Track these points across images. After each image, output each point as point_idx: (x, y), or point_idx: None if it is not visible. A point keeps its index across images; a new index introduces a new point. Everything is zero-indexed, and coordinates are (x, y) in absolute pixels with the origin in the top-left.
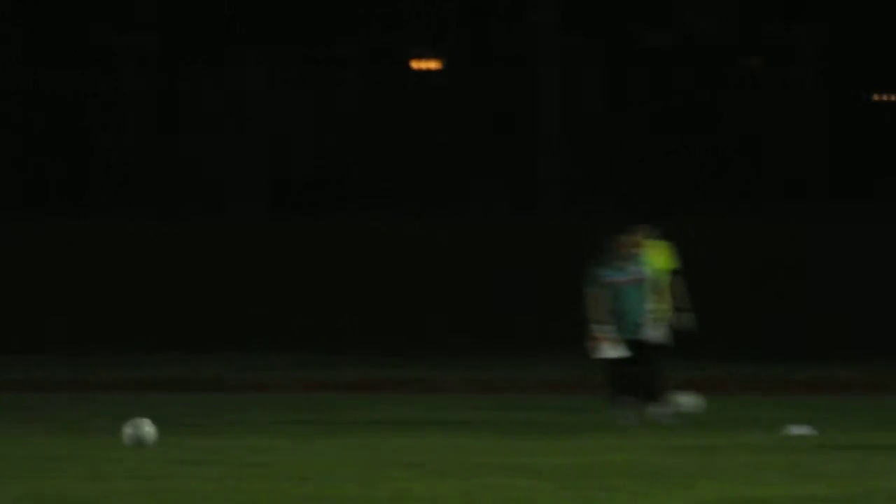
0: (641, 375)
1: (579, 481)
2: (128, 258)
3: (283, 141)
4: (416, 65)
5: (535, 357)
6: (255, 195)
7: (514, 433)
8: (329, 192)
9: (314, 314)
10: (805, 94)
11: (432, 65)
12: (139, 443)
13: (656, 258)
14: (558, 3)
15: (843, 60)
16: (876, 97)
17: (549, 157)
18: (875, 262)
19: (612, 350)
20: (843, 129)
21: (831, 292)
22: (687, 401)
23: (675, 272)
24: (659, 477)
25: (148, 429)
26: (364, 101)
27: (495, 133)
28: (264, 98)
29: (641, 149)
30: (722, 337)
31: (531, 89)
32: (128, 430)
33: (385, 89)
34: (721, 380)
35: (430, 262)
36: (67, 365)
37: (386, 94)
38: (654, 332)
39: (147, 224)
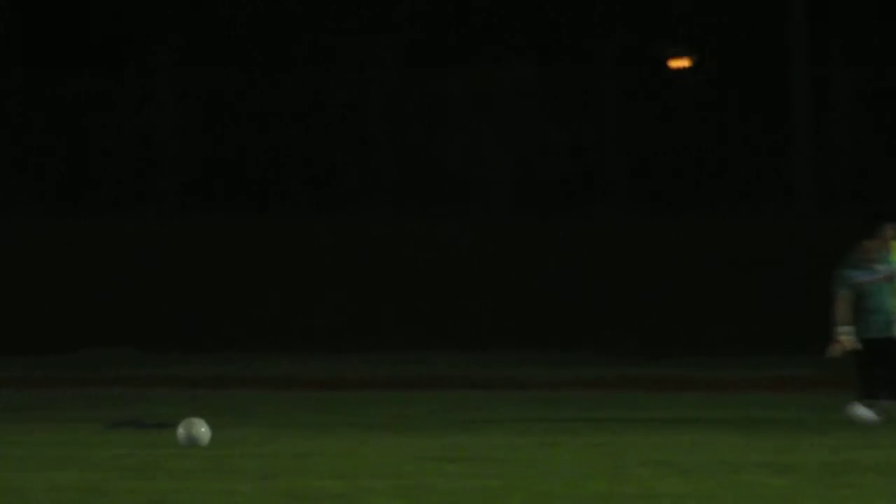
0: (889, 374)
1: (828, 479)
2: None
3: (533, 141)
4: (672, 63)
5: (775, 356)
6: (499, 195)
7: (758, 431)
8: (583, 192)
9: (548, 311)
10: None
11: (686, 63)
12: (193, 443)
13: None
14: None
15: None
16: None
17: (802, 155)
18: None
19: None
20: None
21: None
22: None
23: None
24: None
25: (203, 429)
26: (619, 99)
27: (748, 132)
28: (518, 97)
29: (887, 146)
30: None
31: (781, 88)
32: (180, 431)
33: (640, 88)
34: None
35: (685, 261)
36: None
37: (641, 92)
38: None
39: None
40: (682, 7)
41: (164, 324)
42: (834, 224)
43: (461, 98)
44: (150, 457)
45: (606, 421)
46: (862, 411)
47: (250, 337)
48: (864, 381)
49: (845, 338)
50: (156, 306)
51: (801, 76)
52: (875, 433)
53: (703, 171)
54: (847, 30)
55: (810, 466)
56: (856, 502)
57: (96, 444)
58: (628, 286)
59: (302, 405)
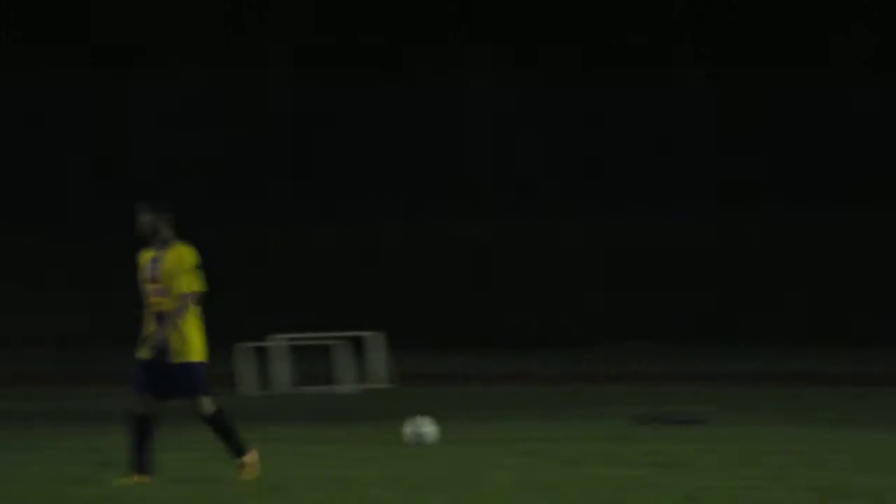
0: None
1: None
2: None
3: None
4: None
5: None
6: None
7: None
8: None
9: None
10: None
11: None
12: (420, 441)
13: None
14: None
15: None
16: None
17: None
18: None
19: None
20: None
21: None
22: None
23: None
24: None
25: (427, 429)
26: None
27: None
28: None
29: None
30: None
31: None
32: (407, 430)
33: None
34: None
35: None
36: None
37: None
38: None
39: None
40: None
41: (674, 319)
42: None
43: None
44: (678, 452)
45: None
46: None
47: (767, 331)
48: None
49: None
50: (662, 299)
51: None
52: None
53: None
54: None
55: None
56: None
57: (624, 440)
58: None
59: (823, 401)
